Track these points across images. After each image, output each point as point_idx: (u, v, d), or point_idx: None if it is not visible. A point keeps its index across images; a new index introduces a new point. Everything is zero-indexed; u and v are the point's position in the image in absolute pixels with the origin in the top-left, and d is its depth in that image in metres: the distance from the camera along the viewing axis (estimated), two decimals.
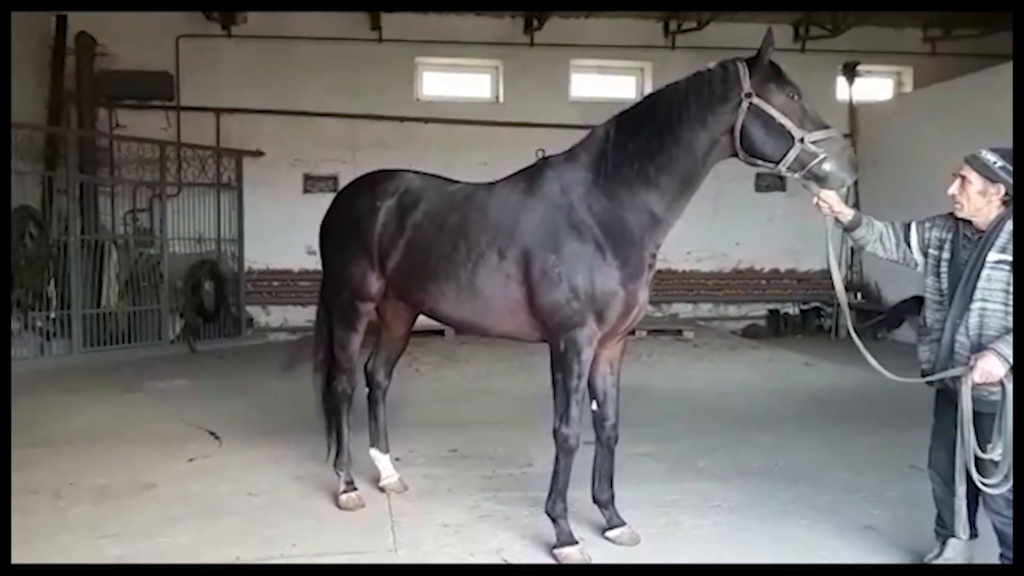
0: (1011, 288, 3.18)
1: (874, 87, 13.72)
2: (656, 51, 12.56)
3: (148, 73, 11.23)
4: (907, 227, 3.59)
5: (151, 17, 11.09)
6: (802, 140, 3.38)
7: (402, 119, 11.89)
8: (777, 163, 3.46)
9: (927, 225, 3.55)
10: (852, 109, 13.17)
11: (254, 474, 5.10)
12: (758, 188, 13.12)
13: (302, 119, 11.73)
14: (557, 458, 3.88)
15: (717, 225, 12.45)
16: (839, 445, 5.86)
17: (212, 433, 6.11)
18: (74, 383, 7.87)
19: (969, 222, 3.36)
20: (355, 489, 4.59)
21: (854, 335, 3.72)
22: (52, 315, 9.46)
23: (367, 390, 4.93)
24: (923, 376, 3.53)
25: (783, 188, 12.87)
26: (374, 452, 4.90)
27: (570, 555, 3.81)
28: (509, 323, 3.96)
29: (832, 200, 3.55)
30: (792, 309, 13.05)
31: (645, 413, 6.76)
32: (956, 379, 3.28)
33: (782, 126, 3.41)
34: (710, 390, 8.01)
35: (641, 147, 3.62)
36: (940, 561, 3.60)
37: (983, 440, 3.19)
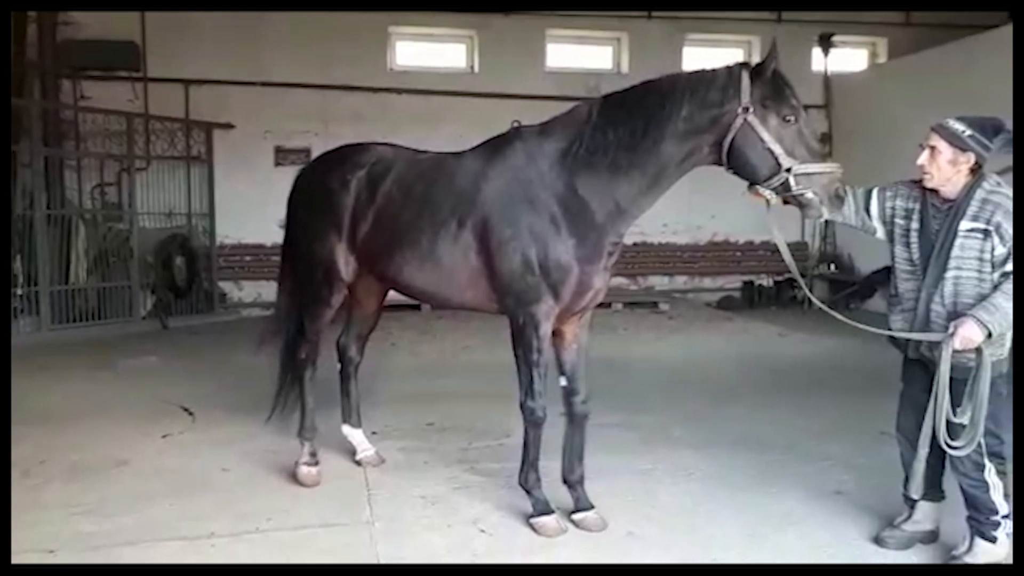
0: (984, 256, 3.21)
1: (849, 58, 13.76)
2: (633, 20, 12.48)
3: (114, 42, 10.93)
4: (868, 194, 3.56)
5: None
6: (789, 170, 3.26)
7: (375, 90, 11.72)
8: (760, 183, 3.36)
9: (888, 194, 3.52)
10: (827, 80, 13.22)
11: (229, 449, 5.05)
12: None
13: (273, 90, 11.53)
14: (526, 431, 3.91)
15: (693, 198, 12.31)
16: (810, 414, 5.93)
17: (186, 409, 6.05)
18: (43, 361, 7.73)
19: (936, 192, 3.35)
20: (316, 464, 4.54)
21: (817, 303, 3.84)
22: (19, 292, 9.28)
23: (339, 365, 4.87)
24: (894, 343, 3.57)
25: None
26: (346, 428, 4.86)
27: (546, 524, 3.82)
28: (469, 293, 3.95)
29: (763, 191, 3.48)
30: (767, 281, 13.16)
31: (620, 384, 6.82)
32: (933, 345, 3.32)
33: (771, 151, 3.27)
34: (685, 361, 8.09)
35: (621, 136, 3.50)
36: (909, 524, 3.67)
37: (954, 404, 3.23)
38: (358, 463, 4.74)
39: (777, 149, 3.26)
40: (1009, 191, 3.24)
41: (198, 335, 9.77)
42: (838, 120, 13.04)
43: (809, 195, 3.30)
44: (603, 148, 3.55)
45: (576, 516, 3.95)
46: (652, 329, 9.62)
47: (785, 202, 3.41)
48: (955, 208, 3.28)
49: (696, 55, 12.97)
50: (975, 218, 3.22)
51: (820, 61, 13.17)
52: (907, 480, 3.53)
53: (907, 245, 3.44)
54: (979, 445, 3.23)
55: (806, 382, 7.13)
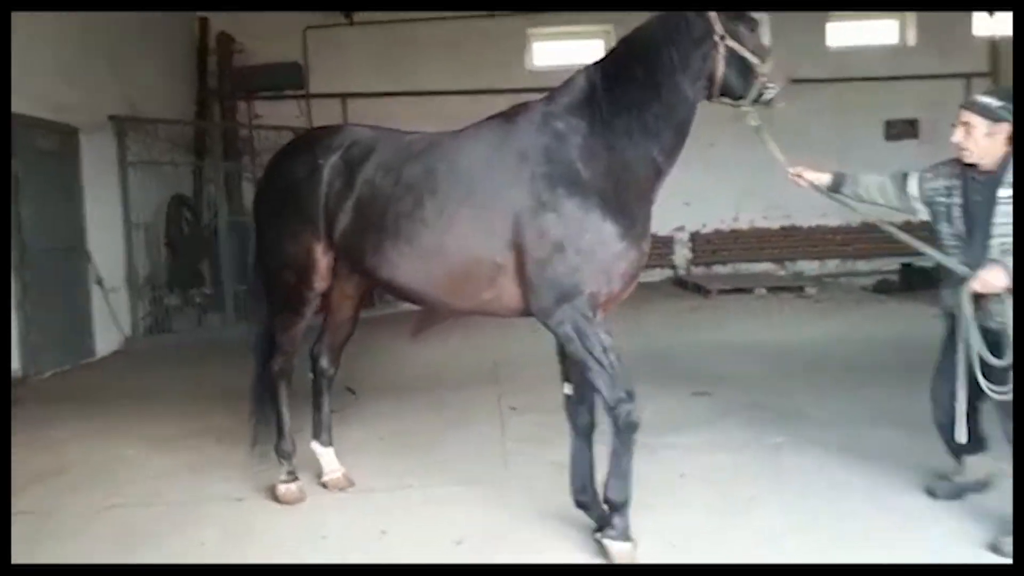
0: None
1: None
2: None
3: (280, 65, 12.12)
4: (905, 177, 3.74)
5: (281, 12, 11.93)
6: (763, 75, 3.35)
7: (516, 91, 12.16)
8: (740, 98, 3.42)
9: (928, 176, 3.68)
10: (994, 45, 12.33)
11: (383, 422, 5.61)
12: (888, 136, 12.61)
13: (422, 99, 12.26)
14: (619, 438, 3.31)
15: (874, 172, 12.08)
16: None
17: (349, 388, 6.71)
18: (228, 349, 8.74)
19: (974, 166, 3.44)
20: (296, 479, 4.18)
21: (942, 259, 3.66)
22: (207, 291, 10.49)
23: (310, 376, 4.43)
24: (944, 316, 3.67)
25: (915, 135, 12.29)
26: (316, 445, 4.40)
27: (622, 552, 3.33)
28: (488, 294, 3.44)
29: (805, 174, 3.81)
30: (927, 262, 12.42)
31: (757, 367, 6.90)
32: (984, 320, 3.39)
33: (751, 66, 3.34)
34: (827, 344, 7.92)
35: (636, 95, 3.33)
36: (959, 476, 3.84)
37: (993, 353, 3.30)
38: (324, 486, 4.32)
39: (754, 61, 3.34)
40: None
41: (361, 327, 10.58)
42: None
43: (773, 93, 3.40)
44: (626, 110, 3.34)
45: (600, 536, 3.46)
46: (797, 313, 9.43)
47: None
48: (994, 178, 3.37)
49: (840, 30, 12.53)
50: (1011, 185, 3.29)
51: (984, 26, 12.30)
52: (946, 442, 3.71)
53: (950, 221, 3.56)
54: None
55: None
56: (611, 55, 3.51)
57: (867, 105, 12.47)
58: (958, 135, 3.45)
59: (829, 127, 12.32)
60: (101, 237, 9.04)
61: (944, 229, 3.59)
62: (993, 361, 3.29)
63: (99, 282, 8.96)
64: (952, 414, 3.53)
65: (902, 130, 12.32)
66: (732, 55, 3.34)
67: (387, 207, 3.51)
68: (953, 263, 3.47)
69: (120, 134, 9.43)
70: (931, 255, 3.63)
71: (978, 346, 3.32)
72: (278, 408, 4.23)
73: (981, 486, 3.83)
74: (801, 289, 10.57)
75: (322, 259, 3.80)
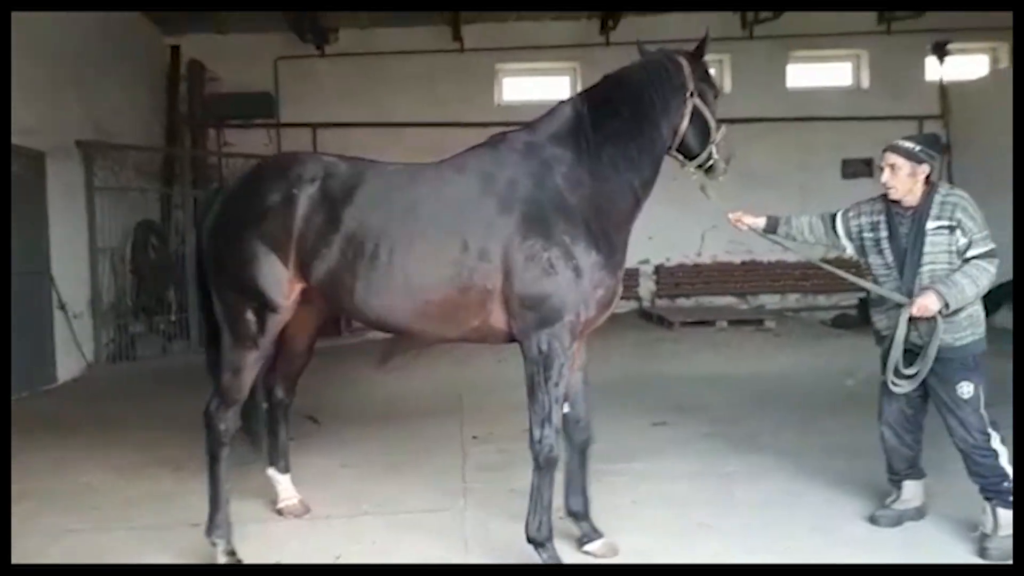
0: (951, 248, 3.67)
1: (967, 65, 13.31)
2: (735, 42, 12.60)
3: (251, 94, 12.22)
4: (832, 217, 4.11)
5: (252, 41, 12.10)
6: (715, 141, 3.68)
7: (484, 124, 12.35)
8: (692, 159, 3.70)
9: (851, 215, 4.05)
10: (943, 89, 12.83)
11: (350, 449, 5.66)
12: (844, 175, 13.00)
13: (391, 130, 12.41)
14: (539, 472, 3.43)
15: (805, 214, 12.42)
16: None
17: (311, 417, 6.73)
18: (192, 380, 8.70)
19: (897, 202, 3.81)
20: (239, 561, 3.68)
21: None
22: (172, 318, 10.45)
23: (264, 405, 4.33)
24: (877, 341, 4.01)
25: (870, 174, 12.68)
26: (272, 472, 4.33)
27: None
28: (477, 319, 3.47)
29: (745, 219, 4.20)
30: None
31: (717, 399, 7.07)
32: (919, 338, 3.79)
33: (709, 128, 3.66)
34: (786, 377, 8.11)
35: (620, 129, 3.51)
36: (899, 504, 4.06)
37: (907, 363, 3.79)
38: (279, 512, 4.28)
39: (713, 124, 3.67)
40: (960, 192, 3.75)
41: (326, 356, 10.56)
42: (957, 130, 12.61)
43: (721, 162, 3.73)
44: (610, 141, 3.49)
45: (589, 547, 3.75)
46: (757, 346, 9.63)
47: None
48: (919, 212, 3.74)
49: (800, 72, 12.98)
50: (938, 217, 3.70)
51: (935, 71, 12.82)
52: (889, 464, 4.10)
53: (880, 252, 3.90)
54: (982, 416, 3.68)
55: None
56: (596, 89, 3.68)
57: (825, 144, 12.88)
58: (885, 175, 3.82)
59: (790, 164, 12.72)
60: (66, 262, 9.01)
61: (875, 260, 3.94)
62: (905, 372, 3.77)
63: (62, 307, 8.90)
64: (898, 432, 3.98)
65: (858, 169, 12.72)
66: (696, 114, 3.63)
67: (378, 244, 3.44)
68: (891, 293, 3.81)
69: (87, 159, 9.44)
70: (866, 287, 4.02)
71: (897, 356, 3.76)
72: (216, 479, 3.70)
73: (919, 513, 4.08)
74: (761, 322, 10.79)
75: (290, 290, 3.60)
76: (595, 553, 3.74)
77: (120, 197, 10.04)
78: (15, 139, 8.09)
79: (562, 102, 3.67)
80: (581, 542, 3.81)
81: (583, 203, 3.43)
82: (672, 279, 13.33)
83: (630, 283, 13.20)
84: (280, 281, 3.56)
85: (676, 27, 12.31)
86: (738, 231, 4.32)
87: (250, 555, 3.77)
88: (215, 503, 3.68)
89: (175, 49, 12.11)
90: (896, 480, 4.10)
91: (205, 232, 3.82)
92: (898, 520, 4.04)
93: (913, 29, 12.45)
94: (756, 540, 3.88)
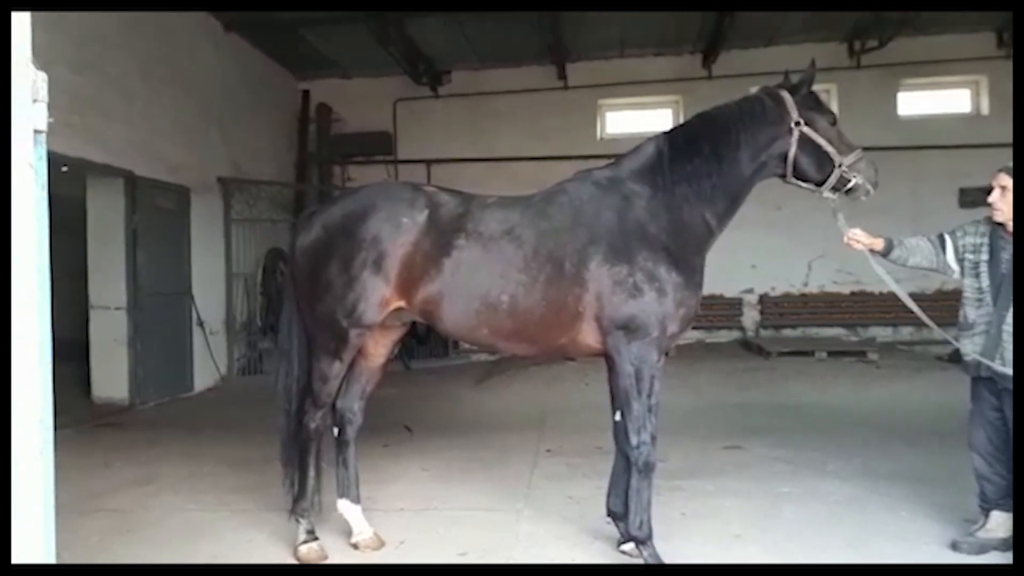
0: None
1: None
2: (841, 72, 12.51)
3: (372, 133, 13.28)
4: (941, 238, 4.03)
5: (374, 85, 13.18)
6: (840, 165, 3.83)
7: (586, 157, 12.85)
8: (820, 185, 3.89)
9: (958, 234, 3.97)
10: None
11: (431, 455, 6.20)
12: (962, 204, 12.52)
13: (499, 164, 13.10)
14: (638, 475, 3.77)
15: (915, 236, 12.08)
16: None
17: (406, 427, 7.33)
18: None
19: (1003, 225, 3.72)
20: (316, 539, 4.12)
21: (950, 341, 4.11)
22: None
23: (335, 431, 4.32)
24: (967, 368, 3.90)
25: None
26: (344, 504, 4.30)
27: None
28: (564, 337, 3.82)
29: (861, 236, 4.09)
30: None
31: (798, 425, 7.13)
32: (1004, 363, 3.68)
33: (827, 153, 3.84)
34: (873, 408, 8.03)
35: (698, 167, 3.80)
36: (983, 532, 3.91)
37: None
38: (354, 546, 4.22)
39: (830, 149, 3.83)
40: None
41: (432, 375, 11.31)
42: None
43: (859, 180, 3.85)
44: (686, 179, 3.80)
45: (626, 547, 4.05)
46: (852, 378, 9.49)
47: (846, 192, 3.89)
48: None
49: (912, 99, 12.69)
50: None
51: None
52: (981, 491, 3.78)
53: (977, 276, 3.83)
54: None
55: None
56: (682, 128, 4.02)
57: (941, 172, 12.49)
58: (994, 195, 3.76)
59: (903, 194, 12.39)
60: (205, 285, 10.17)
61: (970, 283, 3.90)
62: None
63: (201, 324, 10.03)
64: (988, 461, 3.90)
65: (976, 197, 12.14)
66: (805, 141, 3.84)
67: (482, 269, 3.75)
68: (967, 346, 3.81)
69: (226, 193, 10.63)
70: (928, 323, 4.09)
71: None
72: (305, 468, 4.15)
73: (1006, 544, 3.92)
74: (864, 354, 10.57)
75: (382, 310, 3.88)
76: (630, 553, 4.02)
77: (254, 227, 11.21)
78: (166, 176, 9.31)
79: (648, 140, 3.99)
80: (619, 542, 4.13)
81: (662, 232, 3.76)
82: (777, 309, 13.20)
83: (732, 313, 13.21)
84: (378, 300, 3.84)
85: (780, 59, 12.47)
86: (852, 251, 4.16)
87: (327, 536, 4.31)
88: (302, 489, 4.14)
89: (306, 93, 13.35)
90: (986, 508, 4.01)
91: (300, 252, 4.05)
92: (981, 548, 3.93)
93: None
94: (785, 552, 4.06)
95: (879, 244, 4.10)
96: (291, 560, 4.07)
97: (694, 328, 13.22)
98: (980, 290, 3.83)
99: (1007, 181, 3.71)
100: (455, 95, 13.32)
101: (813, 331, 13.02)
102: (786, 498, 5.01)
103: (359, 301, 3.84)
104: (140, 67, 8.87)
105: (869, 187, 3.88)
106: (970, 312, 3.88)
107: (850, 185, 3.86)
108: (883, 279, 4.12)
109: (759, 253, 12.63)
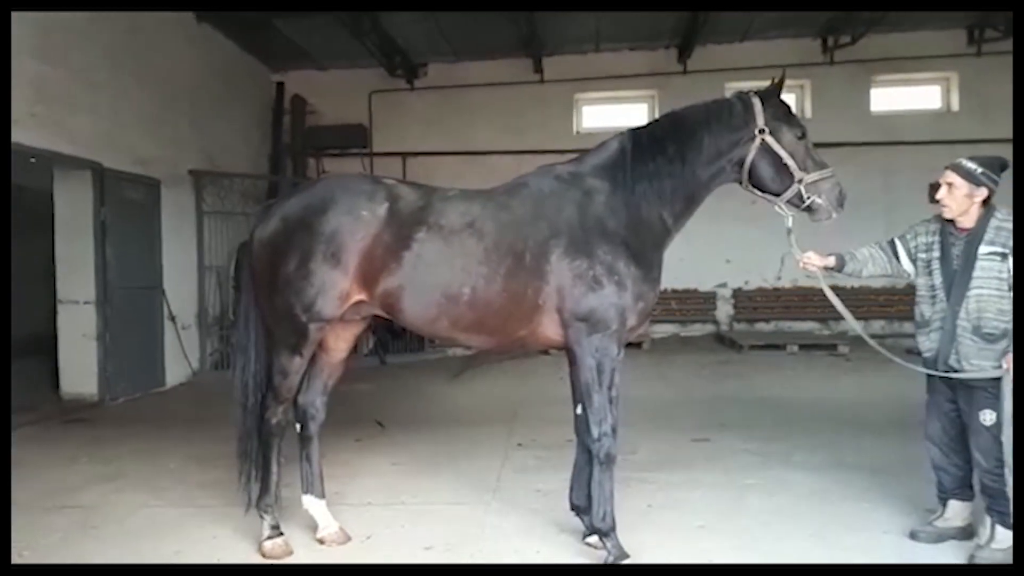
0: (1001, 275, 3.60)
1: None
2: (815, 68, 12.60)
3: (347, 126, 13.22)
4: (892, 244, 4.09)
5: (349, 77, 13.09)
6: (800, 180, 3.79)
7: (562, 151, 12.83)
8: (777, 196, 3.87)
9: (909, 236, 4.03)
10: None
11: (402, 449, 6.19)
12: (932, 199, 12.65)
13: (476, 158, 13.09)
14: (600, 467, 3.82)
15: (866, 246, 12.24)
16: None
17: (378, 422, 7.31)
18: None
19: (952, 223, 3.79)
20: (281, 534, 4.09)
21: (869, 340, 4.29)
22: None
23: (298, 427, 4.29)
24: (924, 365, 3.98)
25: None
26: (308, 499, 4.28)
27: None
28: (524, 329, 3.85)
29: (814, 259, 4.15)
30: None
31: (766, 418, 7.18)
32: (959, 360, 3.76)
33: (786, 166, 3.80)
34: (842, 400, 8.12)
35: (660, 166, 3.83)
36: (941, 521, 4.02)
37: (982, 408, 3.70)
38: (320, 541, 4.19)
39: (791, 163, 3.80)
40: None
41: (408, 369, 11.28)
42: None
43: (818, 201, 3.79)
44: (646, 178, 3.83)
45: (592, 539, 4.05)
46: (822, 371, 9.62)
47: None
48: (973, 235, 3.70)
49: (884, 96, 12.83)
50: (992, 243, 3.65)
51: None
52: (939, 481, 3.93)
53: (929, 273, 3.90)
54: (1001, 444, 3.61)
55: None
56: (649, 127, 4.01)
57: (912, 168, 12.64)
58: (941, 192, 3.80)
59: (876, 187, 12.55)
60: (176, 278, 10.06)
61: (923, 282, 3.96)
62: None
63: (172, 319, 9.93)
64: (944, 451, 3.99)
65: None
66: (766, 150, 3.82)
67: (443, 262, 3.76)
68: (996, 373, 3.70)
69: (198, 186, 10.52)
70: (855, 327, 4.29)
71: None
72: (268, 463, 4.11)
73: (963, 533, 4.03)
74: (834, 348, 10.71)
75: (343, 303, 3.85)
76: (595, 546, 4.02)
77: (226, 220, 11.09)
78: (135, 169, 9.20)
79: (613, 137, 4.01)
80: (584, 535, 4.14)
81: (621, 227, 3.80)
82: (750, 303, 13.33)
83: (707, 307, 13.31)
84: (337, 293, 3.80)
85: (754, 55, 12.56)
86: (809, 272, 4.23)
87: (291, 533, 4.29)
88: (266, 484, 4.10)
89: (280, 85, 13.25)
90: (943, 498, 4.10)
91: (258, 244, 3.97)
92: (939, 538, 4.02)
93: (1005, 51, 12.07)
94: (749, 542, 4.11)
95: (831, 262, 4.17)
96: (256, 555, 4.05)
97: (669, 322, 13.37)
98: (933, 287, 3.88)
99: (953, 178, 3.75)
100: (431, 88, 13.30)
101: (786, 325, 13.17)
102: (752, 489, 5.06)
103: (318, 295, 3.80)
104: (108, 57, 8.75)
105: (831, 210, 3.81)
106: (925, 309, 3.95)
107: (807, 203, 3.81)
108: (835, 305, 4.28)
109: (733, 247, 12.74)
